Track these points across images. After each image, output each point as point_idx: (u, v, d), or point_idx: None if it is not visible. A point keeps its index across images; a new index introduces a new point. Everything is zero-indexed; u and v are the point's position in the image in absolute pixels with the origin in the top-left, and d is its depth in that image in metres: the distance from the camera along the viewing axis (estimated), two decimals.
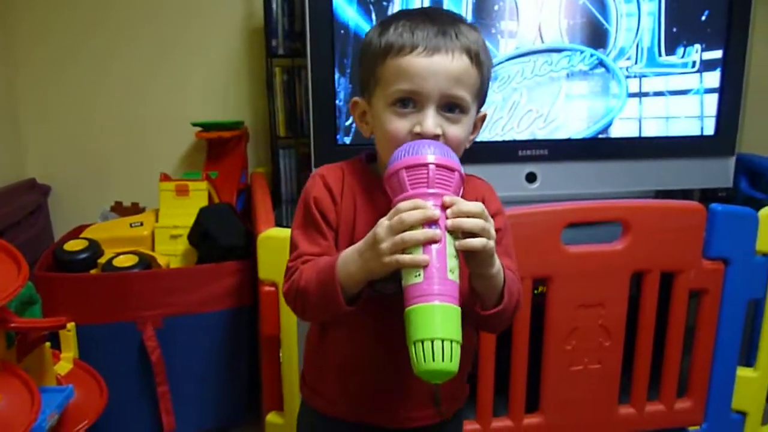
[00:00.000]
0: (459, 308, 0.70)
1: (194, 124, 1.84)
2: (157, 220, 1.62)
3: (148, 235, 1.60)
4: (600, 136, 1.56)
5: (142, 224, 1.62)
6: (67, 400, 1.19)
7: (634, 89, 1.55)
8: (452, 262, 0.70)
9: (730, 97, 1.58)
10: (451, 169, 0.73)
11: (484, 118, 0.87)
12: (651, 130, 1.58)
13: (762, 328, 1.40)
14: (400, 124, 0.78)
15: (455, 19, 0.82)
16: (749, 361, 1.43)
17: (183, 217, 1.58)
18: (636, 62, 1.53)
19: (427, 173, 0.72)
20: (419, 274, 0.69)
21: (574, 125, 1.54)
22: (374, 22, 1.42)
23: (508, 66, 1.49)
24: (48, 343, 1.26)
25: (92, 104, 1.92)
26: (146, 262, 1.47)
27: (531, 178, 1.55)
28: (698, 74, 1.57)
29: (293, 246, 0.83)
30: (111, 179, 1.95)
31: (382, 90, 0.80)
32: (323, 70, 1.42)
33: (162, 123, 1.94)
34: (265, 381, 1.31)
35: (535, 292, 1.30)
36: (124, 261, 1.46)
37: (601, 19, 1.50)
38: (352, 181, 0.84)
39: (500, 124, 1.51)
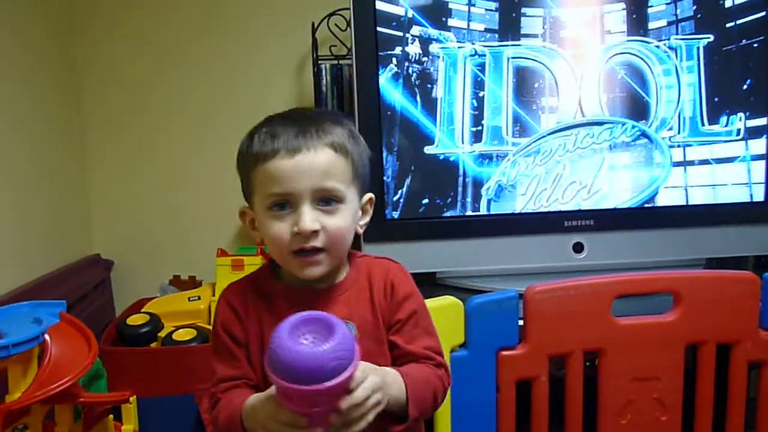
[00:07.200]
0: None
1: None
2: (213, 294, 1.69)
3: (205, 308, 1.67)
4: (646, 205, 1.57)
5: (199, 298, 1.69)
6: None
7: (678, 158, 1.56)
8: None
9: None
10: (346, 383, 0.72)
11: (371, 200, 0.91)
12: (698, 198, 1.58)
13: None
14: (280, 227, 0.82)
15: (318, 119, 0.85)
16: None
17: None
18: (678, 132, 1.55)
19: (327, 394, 0.71)
20: None
21: (619, 195, 1.56)
22: (419, 104, 1.49)
23: (550, 140, 1.53)
24: (111, 416, 1.30)
25: (151, 184, 2.05)
26: (204, 336, 1.53)
27: (578, 248, 1.56)
28: (743, 142, 1.57)
29: (212, 372, 0.86)
30: (169, 254, 2.05)
31: (258, 196, 0.84)
32: (371, 148, 1.45)
33: (218, 199, 2.04)
34: None
35: (587, 364, 1.29)
36: (183, 335, 1.52)
37: (641, 92, 1.54)
38: (255, 296, 0.88)
39: (545, 195, 1.53)
